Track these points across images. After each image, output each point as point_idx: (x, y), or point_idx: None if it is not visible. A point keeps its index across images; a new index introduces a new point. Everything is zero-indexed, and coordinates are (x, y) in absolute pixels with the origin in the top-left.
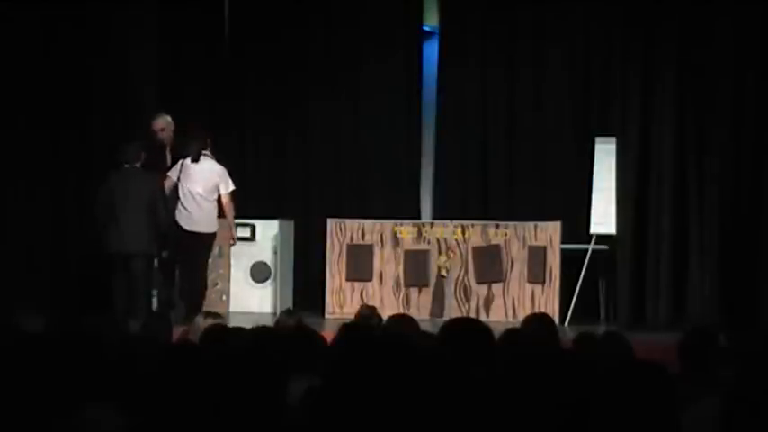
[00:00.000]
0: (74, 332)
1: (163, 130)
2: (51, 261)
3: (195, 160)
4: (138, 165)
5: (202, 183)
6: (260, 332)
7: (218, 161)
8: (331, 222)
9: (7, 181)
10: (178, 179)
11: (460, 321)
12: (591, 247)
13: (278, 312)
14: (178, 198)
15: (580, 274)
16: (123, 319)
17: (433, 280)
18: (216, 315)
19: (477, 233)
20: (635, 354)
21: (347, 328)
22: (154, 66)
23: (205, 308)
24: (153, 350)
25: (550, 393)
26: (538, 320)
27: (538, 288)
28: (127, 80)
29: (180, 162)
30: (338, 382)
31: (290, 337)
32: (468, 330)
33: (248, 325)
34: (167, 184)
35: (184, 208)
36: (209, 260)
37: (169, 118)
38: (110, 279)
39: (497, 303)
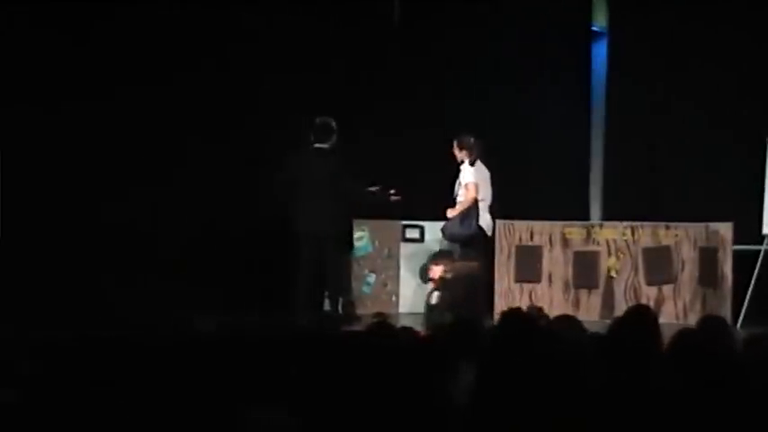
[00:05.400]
0: (245, 332)
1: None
2: (225, 257)
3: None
4: (327, 145)
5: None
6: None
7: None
8: (500, 224)
9: (174, 183)
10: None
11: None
12: (764, 247)
13: None
14: (477, 206)
15: (752, 275)
16: (296, 316)
17: (602, 281)
18: (383, 316)
19: (646, 234)
20: None
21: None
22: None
23: (375, 309)
24: (323, 349)
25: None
26: (712, 323)
27: (709, 290)
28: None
29: (472, 168)
30: (496, 371)
31: (452, 327)
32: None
33: (417, 326)
34: (472, 191)
35: (484, 212)
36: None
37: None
38: (296, 263)
39: (668, 305)
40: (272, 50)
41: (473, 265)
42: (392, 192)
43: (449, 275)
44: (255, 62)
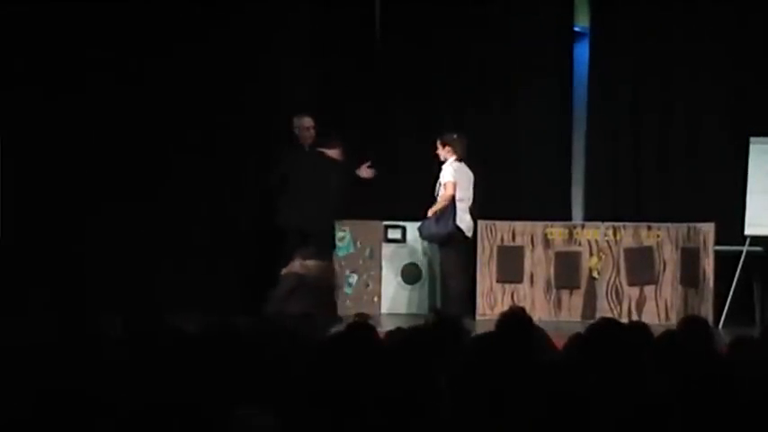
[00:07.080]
0: (228, 332)
1: (309, 129)
2: (208, 260)
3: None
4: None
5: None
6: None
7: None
8: (481, 224)
9: (163, 182)
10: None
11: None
12: (745, 248)
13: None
14: (455, 204)
15: (734, 276)
16: (275, 317)
17: (584, 282)
18: (364, 316)
19: (628, 235)
20: None
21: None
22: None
23: (357, 310)
24: (304, 350)
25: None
26: (693, 324)
27: (691, 290)
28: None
29: (453, 168)
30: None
31: (433, 330)
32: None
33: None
34: (450, 189)
35: (464, 212)
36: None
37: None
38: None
39: (650, 306)
40: (260, 50)
41: (314, 266)
42: (368, 165)
43: (282, 272)
44: (242, 62)
